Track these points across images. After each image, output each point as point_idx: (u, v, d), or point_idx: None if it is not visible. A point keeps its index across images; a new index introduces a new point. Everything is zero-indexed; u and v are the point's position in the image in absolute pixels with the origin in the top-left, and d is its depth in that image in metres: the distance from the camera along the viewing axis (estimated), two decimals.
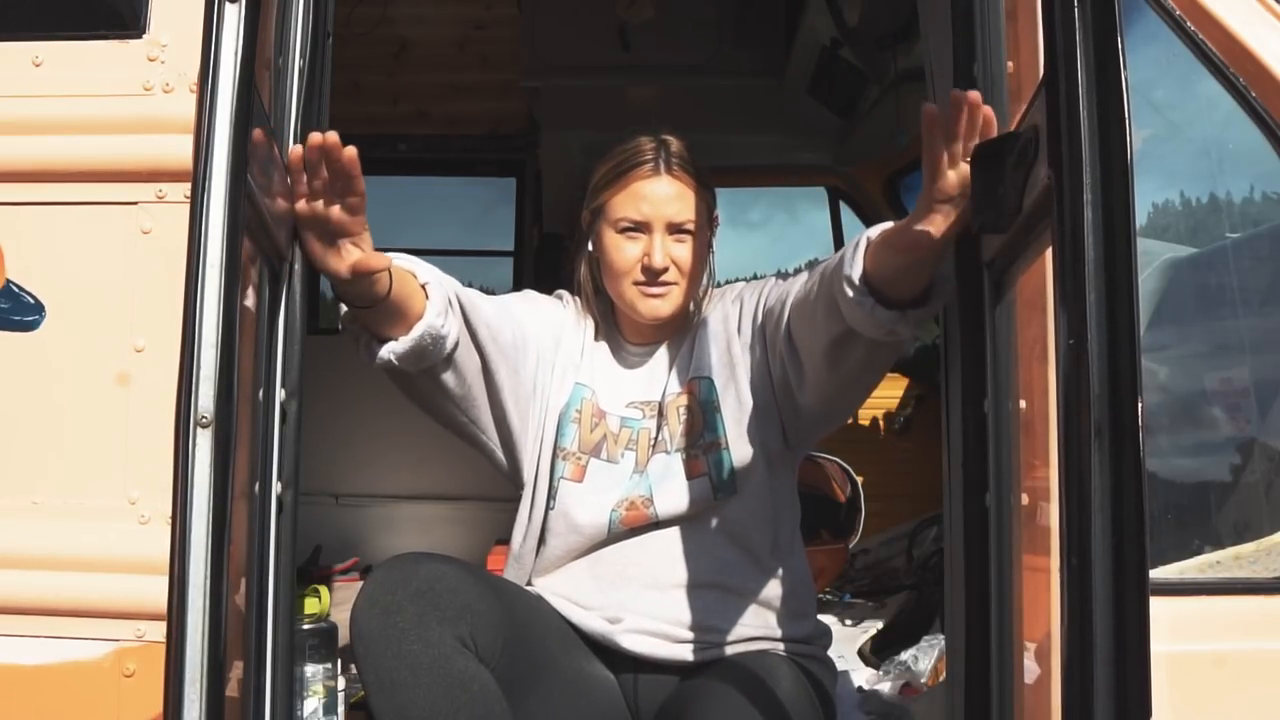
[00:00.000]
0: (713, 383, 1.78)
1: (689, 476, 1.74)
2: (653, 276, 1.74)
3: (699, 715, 1.56)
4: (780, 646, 1.74)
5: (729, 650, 1.71)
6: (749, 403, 1.76)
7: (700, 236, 1.77)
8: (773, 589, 1.75)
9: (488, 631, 1.55)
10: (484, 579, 1.62)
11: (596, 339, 1.89)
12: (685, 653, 1.70)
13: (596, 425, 1.81)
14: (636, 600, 1.72)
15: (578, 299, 1.91)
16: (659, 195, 1.74)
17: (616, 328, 1.88)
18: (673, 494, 1.74)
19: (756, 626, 1.73)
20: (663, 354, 1.86)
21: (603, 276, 1.82)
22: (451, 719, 1.48)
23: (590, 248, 1.83)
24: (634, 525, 1.74)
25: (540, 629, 1.69)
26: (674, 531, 1.74)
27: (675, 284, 1.76)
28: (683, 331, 1.86)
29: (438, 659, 1.49)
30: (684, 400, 1.79)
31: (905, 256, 1.41)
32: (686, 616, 1.71)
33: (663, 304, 1.76)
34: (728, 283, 1.94)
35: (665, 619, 1.71)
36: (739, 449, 1.75)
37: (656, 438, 1.79)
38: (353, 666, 2.20)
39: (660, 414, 1.80)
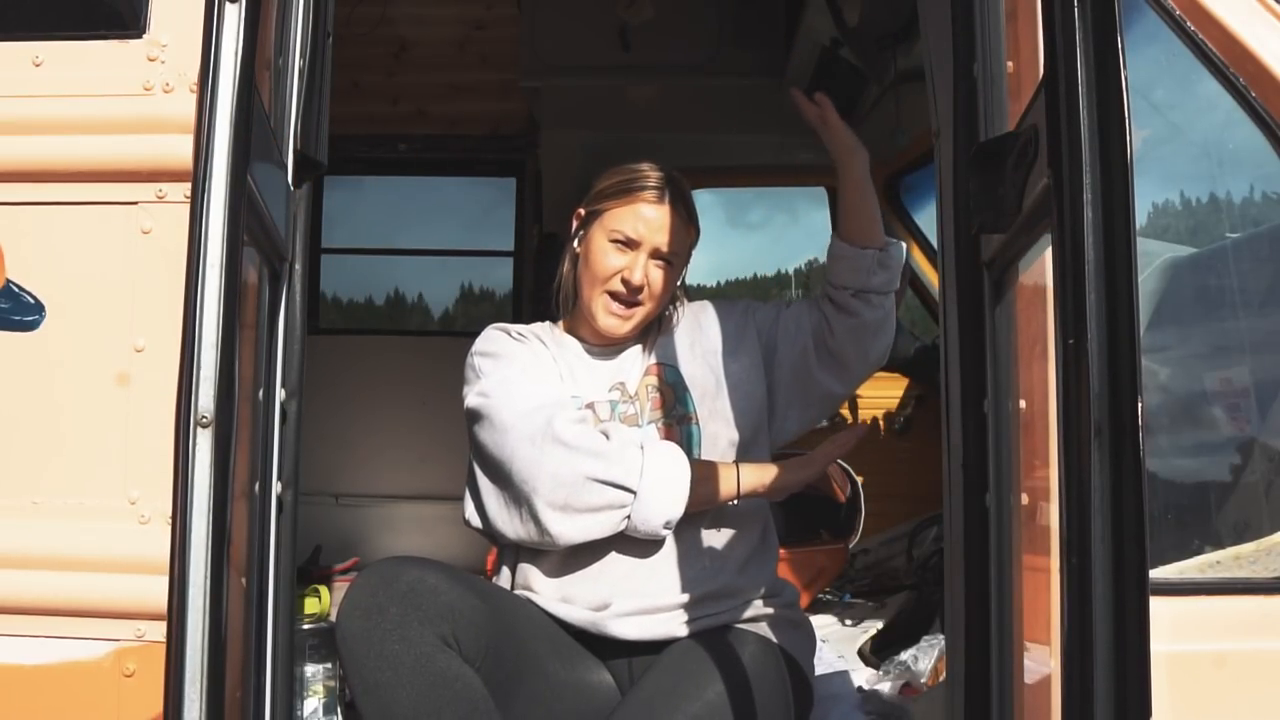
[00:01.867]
0: (678, 369, 1.89)
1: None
2: (629, 292, 1.84)
3: (657, 675, 1.64)
4: (761, 602, 1.81)
5: (716, 620, 1.76)
6: (724, 392, 1.87)
7: (677, 266, 1.90)
8: (750, 556, 1.83)
9: (471, 631, 1.56)
10: (467, 581, 1.63)
11: (563, 344, 1.96)
12: (676, 628, 1.73)
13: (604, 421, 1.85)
14: (625, 581, 1.74)
15: (519, 327, 1.98)
16: (656, 221, 1.85)
17: (575, 329, 1.96)
18: None
19: (739, 592, 1.79)
20: (624, 349, 1.94)
21: (580, 274, 1.90)
22: (435, 717, 1.49)
23: (576, 245, 1.92)
24: None
25: (527, 631, 1.70)
26: None
27: (642, 305, 1.86)
28: (640, 335, 1.95)
29: (420, 658, 1.50)
30: (651, 380, 1.89)
31: (845, 198, 1.89)
32: (675, 588, 1.75)
33: (623, 324, 1.87)
34: (701, 287, 2.02)
35: (654, 595, 1.74)
36: (709, 426, 1.84)
37: (628, 412, 1.86)
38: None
39: (632, 396, 1.88)
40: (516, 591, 1.81)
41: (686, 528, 1.78)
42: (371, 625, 1.51)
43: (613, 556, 1.76)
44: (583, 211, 1.92)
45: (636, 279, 1.83)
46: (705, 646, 1.70)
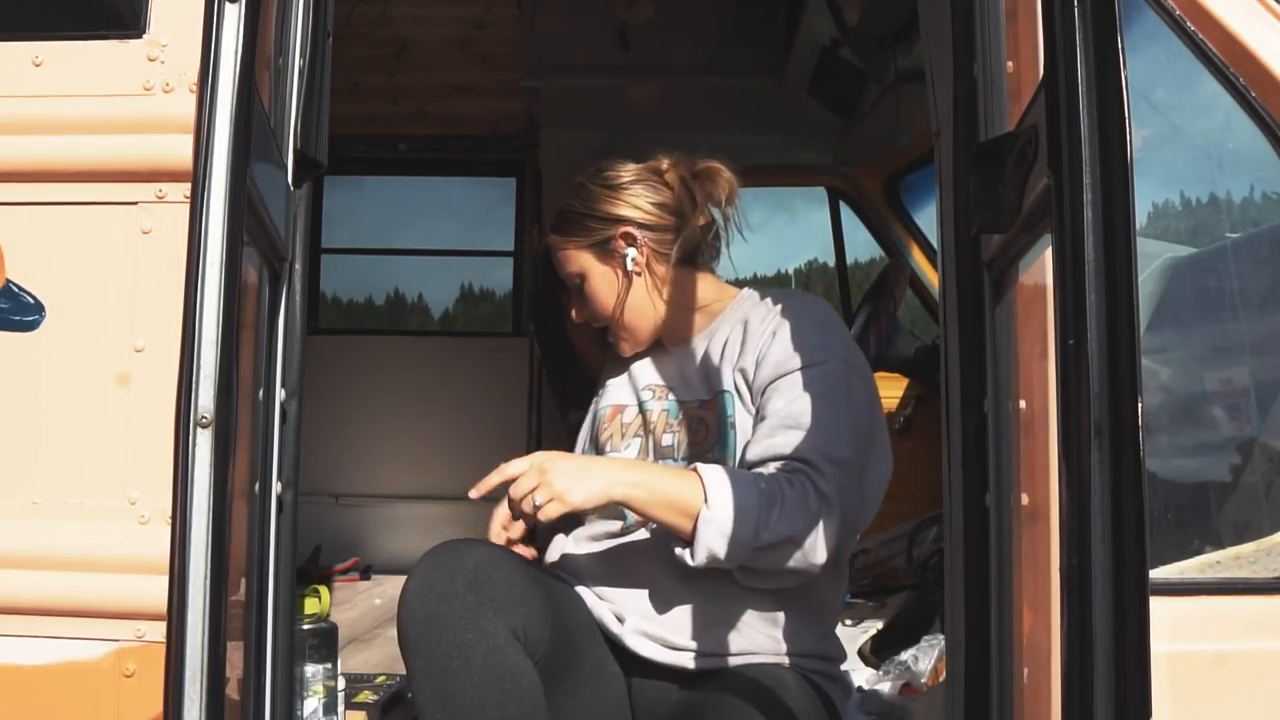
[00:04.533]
0: (732, 397, 1.74)
1: None
2: (588, 327, 1.86)
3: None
4: (787, 661, 1.68)
5: (731, 662, 1.66)
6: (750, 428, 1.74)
7: (592, 279, 1.81)
8: (785, 607, 1.69)
9: (537, 623, 1.54)
10: (529, 569, 1.62)
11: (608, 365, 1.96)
12: (684, 660, 1.67)
13: (611, 423, 1.84)
14: (641, 601, 1.71)
15: None
16: (557, 261, 1.85)
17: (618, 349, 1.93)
18: None
19: (763, 641, 1.68)
20: (671, 352, 1.87)
21: None
22: (499, 710, 1.47)
23: None
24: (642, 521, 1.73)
25: (576, 622, 1.69)
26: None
27: (609, 326, 1.84)
28: (691, 334, 1.86)
29: (492, 650, 1.48)
30: (705, 414, 1.76)
31: None
32: (686, 626, 1.68)
33: (624, 345, 1.85)
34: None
35: (665, 625, 1.69)
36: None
37: (663, 443, 1.76)
38: (342, 663, 2.20)
39: (677, 422, 1.78)
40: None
41: (713, 575, 1.64)
42: (445, 610, 1.47)
43: (631, 576, 1.72)
44: None
45: (575, 316, 1.85)
46: (748, 683, 1.59)
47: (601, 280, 1.80)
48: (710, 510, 1.52)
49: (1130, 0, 1.50)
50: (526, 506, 1.50)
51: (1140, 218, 1.35)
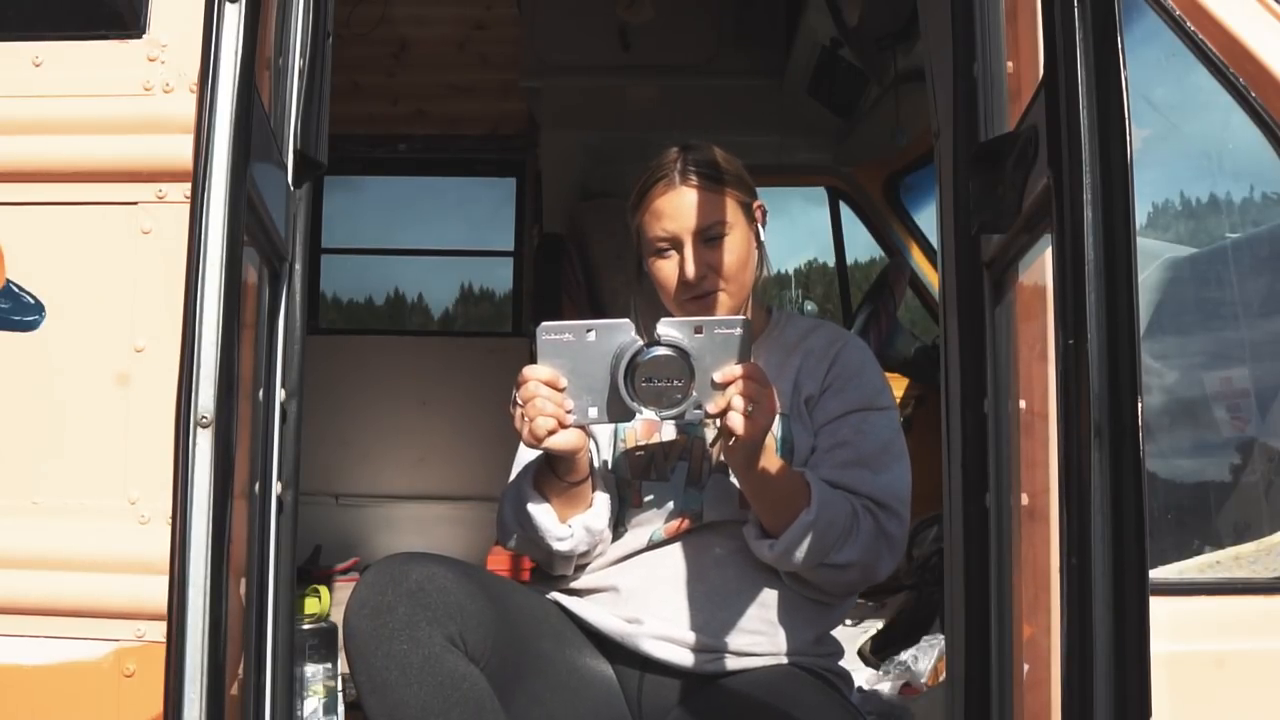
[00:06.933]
0: (788, 419, 1.75)
1: (743, 504, 1.70)
2: (691, 289, 1.71)
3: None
4: (798, 660, 1.70)
5: (746, 663, 1.68)
6: (807, 453, 1.74)
7: (736, 234, 1.73)
8: (800, 609, 1.72)
9: (478, 631, 1.55)
10: (475, 578, 1.62)
11: None
12: (703, 661, 1.68)
13: (644, 444, 1.77)
14: (662, 604, 1.69)
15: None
16: (679, 208, 1.70)
17: None
18: (723, 513, 1.71)
19: (776, 642, 1.70)
20: None
21: (660, 297, 1.78)
22: (444, 717, 1.49)
23: (645, 270, 1.80)
24: (674, 534, 1.73)
25: (532, 627, 1.68)
26: (709, 540, 1.72)
27: (718, 290, 1.72)
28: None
29: (428, 659, 1.49)
30: None
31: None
32: (709, 626, 1.68)
33: (714, 312, 1.72)
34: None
35: (687, 626, 1.68)
36: None
37: (722, 457, 1.72)
38: (342, 663, 2.21)
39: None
40: (548, 586, 1.78)
41: (731, 568, 1.70)
42: (379, 624, 1.50)
43: (653, 579, 1.71)
44: (634, 239, 1.79)
45: (691, 273, 1.69)
46: (771, 684, 1.62)
47: (743, 237, 1.74)
48: (810, 515, 1.60)
49: (1130, 0, 1.50)
50: (740, 404, 1.49)
51: (1140, 218, 1.35)
